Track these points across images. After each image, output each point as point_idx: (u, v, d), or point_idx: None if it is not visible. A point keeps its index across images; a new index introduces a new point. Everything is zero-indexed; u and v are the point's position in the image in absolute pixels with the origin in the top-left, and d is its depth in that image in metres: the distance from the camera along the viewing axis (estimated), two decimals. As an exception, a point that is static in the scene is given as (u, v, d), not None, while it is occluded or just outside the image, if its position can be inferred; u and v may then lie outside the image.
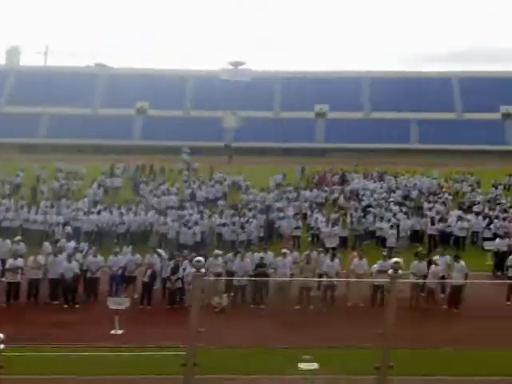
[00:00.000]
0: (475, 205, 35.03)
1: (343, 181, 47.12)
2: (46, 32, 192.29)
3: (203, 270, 6.15)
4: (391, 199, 36.62)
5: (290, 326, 17.37)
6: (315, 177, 49.71)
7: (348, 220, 29.96)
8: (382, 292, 19.31)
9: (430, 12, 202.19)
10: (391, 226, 28.05)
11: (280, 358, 14.91)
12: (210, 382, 12.84)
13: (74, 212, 29.99)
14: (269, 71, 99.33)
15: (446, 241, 28.71)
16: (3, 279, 20.38)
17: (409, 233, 29.26)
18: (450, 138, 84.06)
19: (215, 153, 73.21)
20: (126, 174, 51.21)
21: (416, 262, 20.10)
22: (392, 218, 29.67)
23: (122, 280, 20.55)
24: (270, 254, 21.23)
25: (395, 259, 6.31)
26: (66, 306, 19.59)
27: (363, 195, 38.54)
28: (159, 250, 21.56)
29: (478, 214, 31.63)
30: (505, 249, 24.28)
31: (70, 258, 20.01)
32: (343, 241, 27.62)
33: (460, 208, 34.00)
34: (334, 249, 23.36)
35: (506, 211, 32.71)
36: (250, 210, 31.45)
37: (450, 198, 39.60)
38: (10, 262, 20.13)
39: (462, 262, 19.94)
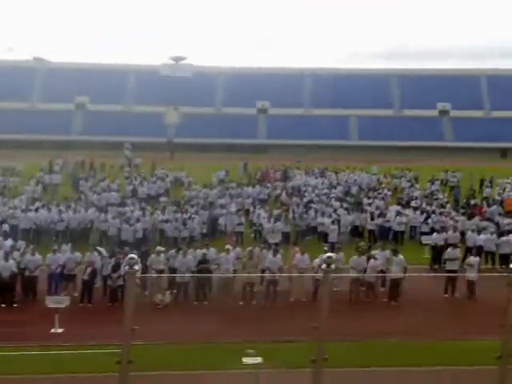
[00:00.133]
0: (413, 200, 35.92)
1: (285, 177, 47.55)
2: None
3: (136, 268, 6.10)
4: (332, 195, 37.18)
5: (233, 322, 17.41)
6: (258, 173, 49.96)
7: (290, 216, 30.25)
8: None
9: (370, 10, 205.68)
10: (333, 222, 28.44)
11: (223, 353, 14.94)
12: (147, 378, 12.77)
13: (11, 210, 29.21)
14: (210, 67, 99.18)
15: (385, 235, 29.32)
16: None
17: (349, 228, 29.75)
18: (388, 135, 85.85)
19: (157, 149, 72.69)
20: (65, 170, 50.27)
21: (355, 257, 20.47)
22: (333, 214, 30.11)
23: (62, 278, 20.16)
24: (213, 250, 21.22)
25: (328, 254, 6.40)
26: (3, 305, 19.09)
27: (305, 191, 38.99)
28: (99, 248, 21.24)
29: (415, 209, 32.44)
30: (442, 243, 24.99)
31: (7, 257, 19.48)
32: (286, 236, 27.85)
33: (399, 203, 34.79)
34: (276, 244, 23.50)
35: (442, 206, 33.65)
36: (192, 206, 31.34)
37: (389, 193, 40.50)
38: None
39: (401, 256, 20.39)
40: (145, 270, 19.65)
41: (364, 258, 20.58)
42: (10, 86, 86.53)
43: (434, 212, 31.26)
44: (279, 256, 20.55)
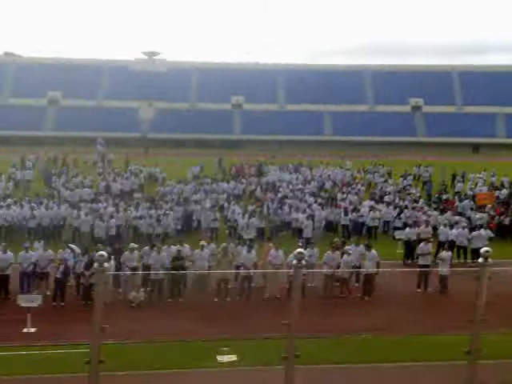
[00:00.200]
0: (386, 195, 36.20)
1: (260, 172, 47.56)
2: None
3: (106, 265, 6.04)
4: (306, 190, 37.31)
5: (208, 319, 17.38)
6: (232, 168, 49.90)
7: (265, 211, 30.28)
8: (303, 282, 19.65)
9: (343, 6, 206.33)
10: (307, 217, 28.54)
11: (198, 351, 14.91)
12: (118, 378, 12.70)
13: (-18, 206, 28.78)
14: (185, 62, 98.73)
15: (359, 231, 29.52)
16: None
17: (323, 223, 29.87)
18: (362, 130, 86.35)
19: (131, 144, 72.27)
20: (37, 166, 49.61)
21: (329, 252, 20.55)
22: (307, 209, 30.21)
23: (34, 276, 19.92)
24: (187, 246, 21.13)
25: (299, 250, 6.41)
26: (-26, 304, 18.81)
27: (279, 187, 39.06)
28: (72, 245, 21.02)
29: (388, 204, 32.69)
30: (414, 237, 25.22)
31: (-23, 255, 19.19)
32: (260, 232, 27.87)
33: (372, 198, 35.02)
34: (251, 240, 23.51)
35: (415, 201, 33.99)
36: (166, 202, 31.21)
37: (363, 188, 40.75)
38: None
39: (374, 251, 20.53)
40: (118, 267, 19.52)
41: (338, 253, 20.68)
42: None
43: (406, 207, 31.56)
44: (254, 252, 20.55)
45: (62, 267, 19.30)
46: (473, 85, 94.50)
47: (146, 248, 20.69)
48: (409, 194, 37.03)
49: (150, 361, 14.34)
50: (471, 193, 37.96)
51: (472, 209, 32.26)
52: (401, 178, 45.25)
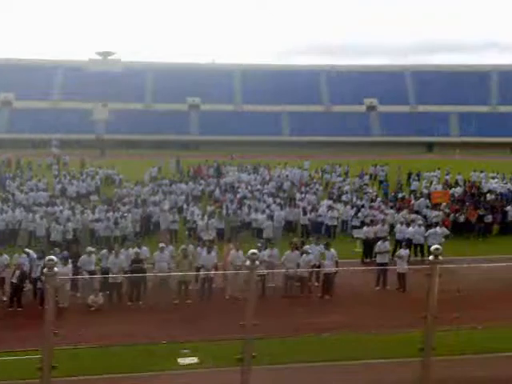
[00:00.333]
0: (344, 194, 36.55)
1: (219, 173, 47.48)
2: None
3: (56, 269, 5.94)
4: (265, 191, 37.40)
5: (168, 322, 17.25)
6: (190, 169, 49.70)
7: (224, 212, 30.22)
8: (263, 282, 19.74)
9: (300, 6, 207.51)
10: (268, 218, 28.59)
11: (159, 354, 14.76)
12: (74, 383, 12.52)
13: None
14: (139, 62, 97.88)
15: (318, 230, 29.70)
16: None
17: (283, 223, 29.97)
18: (319, 130, 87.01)
19: (86, 146, 71.25)
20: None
21: (288, 252, 20.60)
22: (266, 210, 30.27)
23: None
24: (145, 249, 20.92)
25: (252, 250, 6.39)
26: None
27: (238, 187, 39.03)
28: (28, 250, 20.60)
29: (346, 203, 33.00)
30: (372, 236, 25.51)
31: None
32: (220, 233, 27.79)
33: (330, 198, 35.29)
34: (210, 241, 23.42)
35: (372, 200, 34.41)
36: (124, 204, 30.85)
37: (321, 188, 41.06)
38: None
39: (333, 250, 20.66)
40: (76, 271, 19.22)
41: (297, 253, 20.74)
42: None
43: (363, 206, 31.93)
44: (213, 253, 20.47)
45: (18, 272, 18.89)
46: (426, 84, 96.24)
47: (104, 251, 20.42)
48: (366, 193, 37.48)
49: (109, 365, 14.11)
50: (426, 191, 38.56)
51: (427, 207, 32.79)
52: (357, 178, 45.76)
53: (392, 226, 28.17)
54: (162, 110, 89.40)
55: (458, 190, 40.02)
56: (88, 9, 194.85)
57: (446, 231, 26.41)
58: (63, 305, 18.33)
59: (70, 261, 19.01)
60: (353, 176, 47.34)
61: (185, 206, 32.12)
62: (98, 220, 27.45)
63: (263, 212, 29.72)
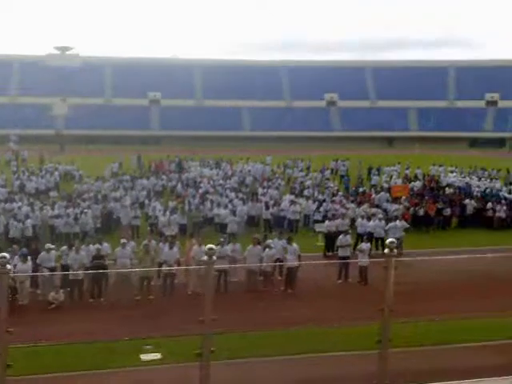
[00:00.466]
0: (306, 189, 36.76)
1: (180, 168, 47.26)
2: None
3: (9, 267, 5.84)
4: (227, 186, 37.36)
5: (130, 318, 17.11)
6: (152, 165, 49.36)
7: (186, 208, 30.09)
8: (225, 277, 19.75)
9: (261, 2, 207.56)
10: (230, 213, 28.57)
11: (121, 350, 14.64)
12: (33, 381, 12.34)
13: None
14: (98, 57, 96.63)
15: (280, 224, 29.81)
16: None
17: (245, 218, 29.99)
18: (280, 125, 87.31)
19: (45, 141, 70.07)
20: None
21: (251, 247, 20.62)
22: (229, 205, 30.26)
23: None
24: (106, 245, 20.69)
25: (210, 245, 6.36)
26: None
27: (200, 182, 38.91)
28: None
29: (308, 198, 33.21)
30: (334, 230, 25.72)
31: None
32: (182, 228, 27.68)
33: (292, 193, 35.47)
34: (172, 237, 23.28)
35: (334, 195, 34.70)
36: (84, 200, 30.46)
37: (283, 183, 41.22)
38: None
39: (295, 245, 20.74)
40: (36, 268, 18.90)
41: (260, 247, 20.77)
42: None
43: (325, 200, 32.17)
44: (176, 249, 20.38)
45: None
46: (385, 80, 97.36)
47: (64, 247, 20.13)
48: (327, 188, 37.77)
49: (71, 362, 13.93)
50: (386, 185, 39.05)
51: (388, 201, 33.20)
52: (318, 173, 46.05)
53: (353, 220, 28.47)
54: (121, 105, 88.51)
55: (418, 184, 40.65)
56: (46, 3, 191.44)
57: (405, 224, 26.78)
58: (23, 302, 18.07)
59: (29, 258, 18.69)
60: (314, 171, 47.63)
61: (146, 202, 31.90)
62: (57, 216, 27.06)
63: (226, 207, 29.70)
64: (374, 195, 34.97)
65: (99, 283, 19.37)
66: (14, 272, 18.02)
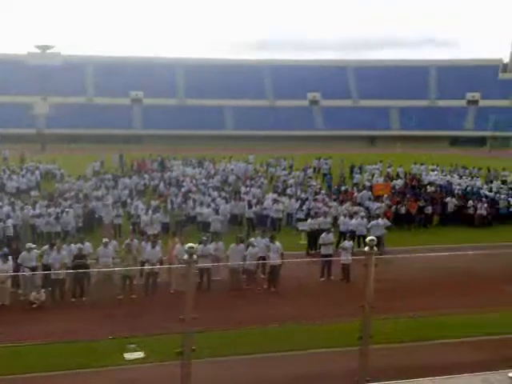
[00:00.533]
0: (289, 188, 36.85)
1: (163, 167, 47.13)
2: None
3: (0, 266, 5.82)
4: (210, 185, 37.34)
5: (113, 317, 17.06)
6: (134, 164, 49.18)
7: (169, 206, 30.03)
8: (208, 276, 19.75)
9: (243, 1, 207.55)
10: (213, 211, 28.55)
11: (104, 349, 14.59)
12: (14, 381, 12.27)
13: None
14: (80, 56, 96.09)
15: (263, 223, 29.85)
16: None
17: (228, 217, 29.99)
18: (262, 124, 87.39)
19: (27, 140, 69.58)
20: None
21: (234, 245, 20.63)
22: (211, 203, 30.24)
23: None
24: (88, 244, 20.59)
25: (190, 244, 6.35)
26: None
27: (183, 181, 38.84)
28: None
29: (291, 196, 33.29)
30: (316, 228, 25.81)
31: None
32: (165, 227, 27.62)
33: (275, 191, 35.54)
34: (155, 236, 23.22)
35: (316, 193, 34.82)
36: (65, 199, 30.27)
37: (266, 181, 41.27)
38: None
39: (278, 243, 20.80)
40: (17, 267, 18.76)
41: (243, 246, 20.79)
42: None
43: (307, 199, 32.27)
44: (158, 248, 20.33)
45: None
46: (367, 79, 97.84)
47: (46, 247, 20.00)
48: (310, 186, 37.88)
49: (53, 362, 13.86)
50: (369, 184, 39.23)
51: (370, 199, 33.39)
52: (301, 171, 46.16)
53: (335, 218, 28.59)
54: (103, 104, 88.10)
55: (399, 183, 40.92)
56: (26, 1, 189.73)
57: (387, 223, 26.94)
58: (4, 302, 17.94)
59: (10, 257, 18.54)
60: (297, 169, 47.74)
61: (129, 201, 31.79)
62: (38, 215, 26.86)
63: (208, 206, 29.68)
64: (356, 193, 35.14)
65: (81, 283, 19.28)
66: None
